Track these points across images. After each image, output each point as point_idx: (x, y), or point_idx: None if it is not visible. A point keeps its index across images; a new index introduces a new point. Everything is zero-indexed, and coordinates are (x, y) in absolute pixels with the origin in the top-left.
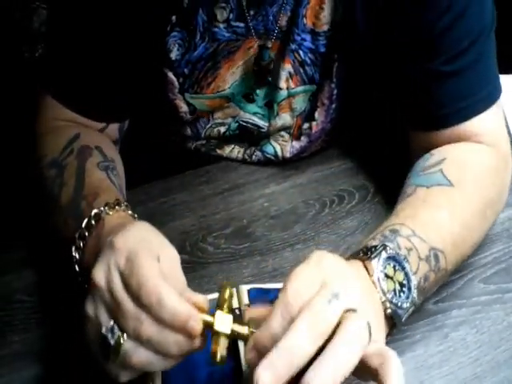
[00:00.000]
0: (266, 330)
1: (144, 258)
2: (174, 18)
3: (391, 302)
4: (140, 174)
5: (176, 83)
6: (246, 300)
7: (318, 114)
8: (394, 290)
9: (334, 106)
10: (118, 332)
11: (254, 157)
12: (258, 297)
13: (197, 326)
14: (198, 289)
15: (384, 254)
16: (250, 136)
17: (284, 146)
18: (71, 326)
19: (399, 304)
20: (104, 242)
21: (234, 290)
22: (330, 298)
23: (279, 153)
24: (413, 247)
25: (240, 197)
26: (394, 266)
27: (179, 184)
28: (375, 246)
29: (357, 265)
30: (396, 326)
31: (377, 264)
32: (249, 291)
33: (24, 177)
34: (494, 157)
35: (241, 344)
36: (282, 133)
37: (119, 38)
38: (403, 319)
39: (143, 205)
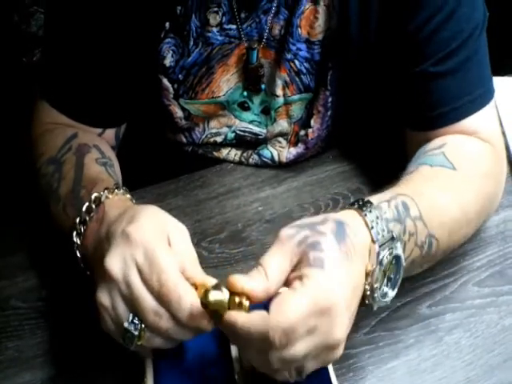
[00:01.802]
0: (241, 339)
1: (162, 254)
2: (167, 24)
3: (373, 297)
4: (135, 179)
5: (171, 89)
6: None
7: (314, 122)
8: (382, 284)
9: (329, 113)
10: (139, 324)
11: (250, 160)
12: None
13: (208, 327)
14: None
15: (393, 251)
16: (248, 143)
17: (281, 152)
18: (65, 332)
19: (380, 298)
20: (108, 226)
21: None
22: (303, 363)
23: (276, 157)
24: (414, 233)
25: (235, 201)
26: (392, 261)
27: (174, 188)
28: (391, 237)
29: (362, 252)
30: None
31: (381, 259)
32: None
33: (21, 182)
34: (490, 151)
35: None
36: (280, 139)
37: (114, 45)
38: (378, 306)
39: None
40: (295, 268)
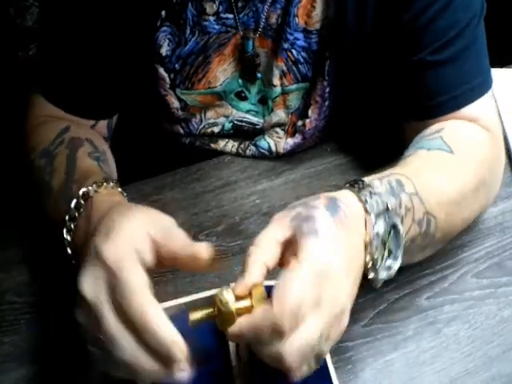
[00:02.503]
0: (251, 332)
1: (129, 273)
2: (163, 13)
3: (375, 269)
4: (132, 172)
5: (167, 79)
6: None
7: (311, 112)
8: (383, 256)
9: (326, 103)
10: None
11: (248, 151)
12: None
13: (179, 354)
14: (189, 287)
15: (388, 221)
16: (245, 133)
17: (278, 143)
18: (60, 327)
19: (382, 270)
20: (94, 225)
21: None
22: (316, 340)
23: (273, 148)
24: (411, 208)
25: (232, 194)
26: (390, 232)
27: (171, 181)
28: (385, 208)
29: (358, 224)
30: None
31: (377, 231)
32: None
33: (16, 177)
34: (488, 138)
35: (231, 343)
36: (277, 129)
37: (109, 34)
38: (381, 281)
39: (135, 203)
40: (290, 245)
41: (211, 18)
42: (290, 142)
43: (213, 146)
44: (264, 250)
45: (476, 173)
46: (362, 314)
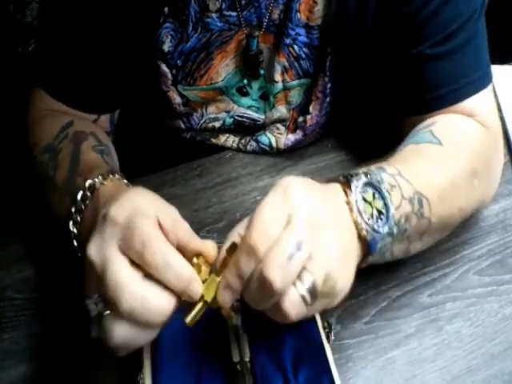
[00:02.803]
0: (233, 271)
1: (143, 221)
2: (166, 9)
3: (367, 224)
4: (133, 168)
5: (169, 75)
6: None
7: (313, 108)
8: (372, 215)
9: (327, 99)
10: (100, 304)
11: (248, 147)
12: None
13: (198, 289)
14: None
15: (364, 179)
16: (246, 129)
17: (279, 138)
18: (60, 324)
19: (375, 227)
20: (100, 214)
21: None
22: (293, 249)
23: (274, 144)
24: (396, 185)
25: (233, 190)
26: (374, 194)
27: (172, 178)
28: (357, 173)
29: (334, 187)
30: (371, 252)
31: (355, 187)
32: None
33: (17, 173)
34: (483, 132)
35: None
36: (278, 125)
37: (112, 30)
38: (378, 245)
39: None
40: None
41: (214, 15)
42: (291, 138)
43: (213, 140)
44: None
45: (466, 162)
46: (364, 311)
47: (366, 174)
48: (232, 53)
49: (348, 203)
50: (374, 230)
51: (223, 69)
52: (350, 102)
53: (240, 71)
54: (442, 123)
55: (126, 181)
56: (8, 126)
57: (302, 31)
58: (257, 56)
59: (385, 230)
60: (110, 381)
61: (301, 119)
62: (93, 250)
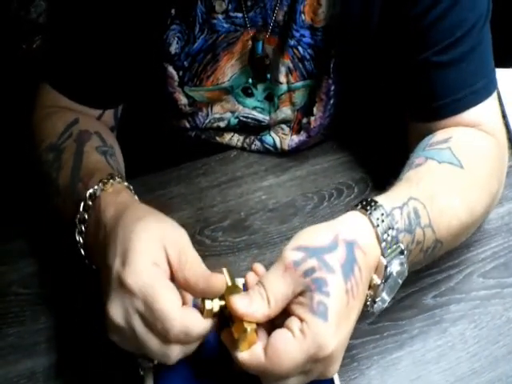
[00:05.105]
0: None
1: (161, 299)
2: (173, 11)
3: (373, 306)
4: (137, 166)
5: (176, 77)
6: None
7: (317, 109)
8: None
9: (331, 101)
10: (147, 363)
11: (253, 146)
12: None
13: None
14: None
15: (398, 259)
16: (251, 129)
17: (283, 139)
18: (66, 318)
19: (377, 309)
20: (105, 231)
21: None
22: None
23: (278, 144)
24: (422, 241)
25: (238, 189)
26: (397, 281)
27: (176, 176)
28: (398, 234)
29: (371, 265)
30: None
31: (389, 268)
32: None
33: (22, 169)
34: (495, 145)
35: None
36: (283, 126)
37: (119, 31)
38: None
39: (140, 197)
40: (297, 295)
41: (220, 17)
42: (295, 139)
43: (218, 139)
44: (272, 307)
45: (485, 188)
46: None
47: (402, 253)
48: (238, 54)
49: (371, 286)
50: (378, 306)
51: (229, 69)
52: (354, 103)
53: (246, 72)
54: (458, 140)
55: (126, 183)
56: (9, 123)
57: (306, 33)
58: (263, 59)
59: (385, 304)
60: (116, 374)
61: (305, 120)
62: (117, 316)
